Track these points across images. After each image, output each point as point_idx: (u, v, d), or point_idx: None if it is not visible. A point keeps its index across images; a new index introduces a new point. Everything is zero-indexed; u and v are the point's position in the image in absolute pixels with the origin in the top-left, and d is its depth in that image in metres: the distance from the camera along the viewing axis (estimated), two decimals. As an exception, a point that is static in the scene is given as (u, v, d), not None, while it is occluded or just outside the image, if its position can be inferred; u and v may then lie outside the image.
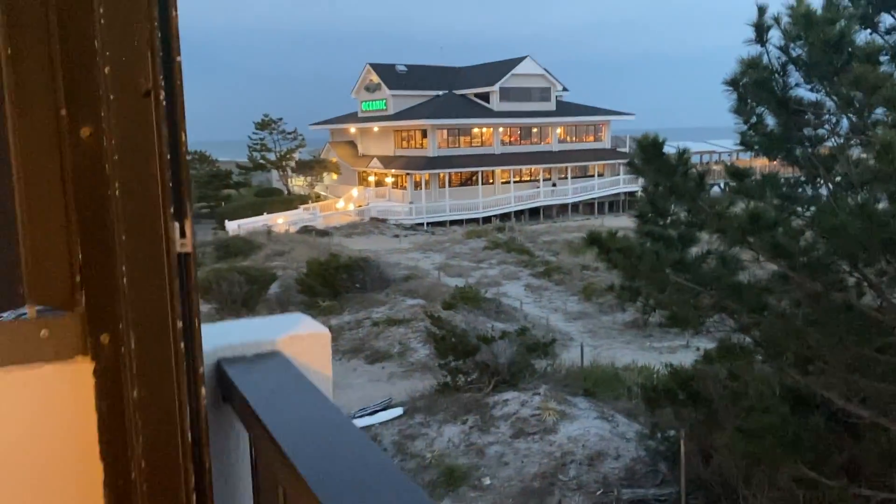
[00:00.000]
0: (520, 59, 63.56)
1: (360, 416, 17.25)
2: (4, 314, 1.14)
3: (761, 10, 6.85)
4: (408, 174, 58.81)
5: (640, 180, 7.39)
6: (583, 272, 33.13)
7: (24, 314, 1.15)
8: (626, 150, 70.07)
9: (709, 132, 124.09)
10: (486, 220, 57.77)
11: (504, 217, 58.33)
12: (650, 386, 11.35)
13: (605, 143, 68.49)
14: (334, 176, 68.06)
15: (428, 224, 56.15)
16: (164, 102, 1.12)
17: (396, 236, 50.89)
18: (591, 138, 68.01)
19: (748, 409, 9.09)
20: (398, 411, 17.23)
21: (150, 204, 1.15)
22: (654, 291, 7.02)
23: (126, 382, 1.18)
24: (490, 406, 16.22)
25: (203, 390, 1.23)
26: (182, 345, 1.21)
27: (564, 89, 67.96)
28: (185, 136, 1.17)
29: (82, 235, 1.14)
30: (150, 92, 1.11)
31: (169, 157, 1.15)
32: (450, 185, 59.65)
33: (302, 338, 1.68)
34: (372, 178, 65.11)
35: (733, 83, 6.76)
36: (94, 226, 1.14)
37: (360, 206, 60.25)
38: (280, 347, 1.64)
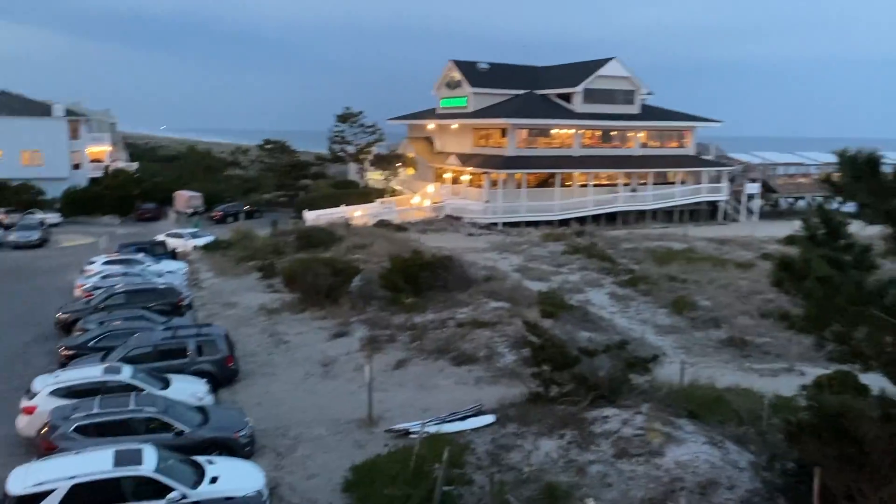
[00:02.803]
0: (606, 60, 62.10)
1: (451, 421, 16.73)
2: None
3: None
4: (485, 173, 58.19)
5: (834, 196, 6.52)
6: (670, 283, 31.91)
7: None
8: (711, 157, 67.86)
9: (795, 143, 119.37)
10: (562, 222, 56.65)
11: (580, 221, 57.09)
12: (793, 420, 10.39)
13: (689, 150, 66.39)
14: (410, 171, 67.95)
15: (503, 224, 55.44)
16: None
17: (471, 235, 50.32)
18: (675, 144, 66.04)
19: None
20: (490, 418, 16.64)
21: None
22: (844, 325, 6.20)
23: None
24: (588, 422, 15.46)
25: None
26: None
27: (649, 93, 66.19)
28: None
29: None
30: None
31: None
32: (527, 186, 58.75)
33: None
34: (448, 175, 64.73)
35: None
36: None
37: (435, 202, 59.94)
38: None
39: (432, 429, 15.96)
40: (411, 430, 16.38)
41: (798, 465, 12.00)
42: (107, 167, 70.27)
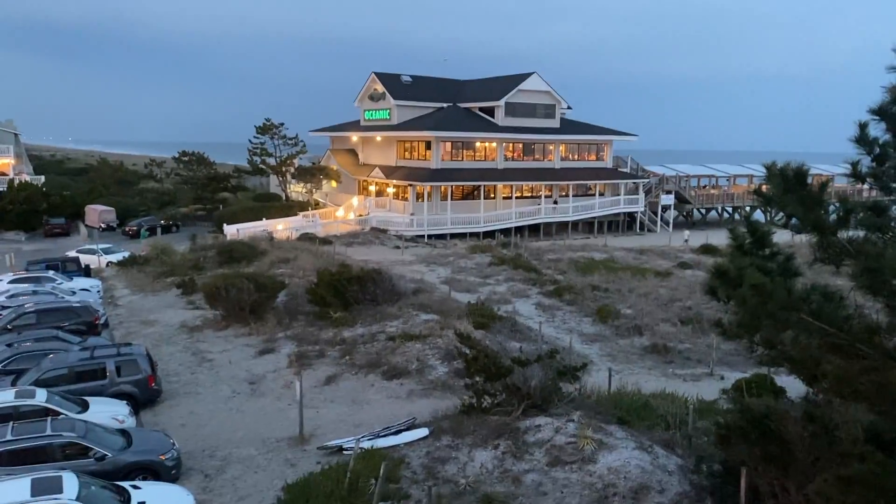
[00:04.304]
0: (526, 75, 63.37)
1: (385, 436, 16.60)
2: None
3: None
4: (410, 185, 58.31)
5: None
6: (594, 292, 32.68)
7: None
8: (627, 169, 70.10)
9: (706, 156, 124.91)
10: (487, 234, 57.35)
11: (505, 232, 57.95)
12: (722, 423, 10.79)
13: (607, 163, 68.39)
14: (334, 184, 67.41)
15: (429, 236, 55.64)
16: None
17: (397, 247, 50.25)
18: (593, 157, 67.90)
19: (840, 455, 8.58)
20: (423, 432, 16.60)
21: None
22: (776, 331, 6.52)
23: None
24: (522, 431, 15.63)
25: None
26: None
27: (568, 107, 67.91)
28: None
29: None
30: None
31: None
32: (451, 199, 59.18)
33: None
34: (373, 188, 64.54)
35: (881, 112, 6.31)
36: None
37: (360, 215, 59.61)
38: None
39: (366, 444, 15.79)
40: (345, 447, 16.18)
41: (724, 467, 12.46)
42: (10, 180, 66.81)
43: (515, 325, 26.34)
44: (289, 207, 62.76)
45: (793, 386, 17.02)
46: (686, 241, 56.45)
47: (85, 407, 17.17)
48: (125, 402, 18.31)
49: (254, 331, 26.01)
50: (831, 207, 6.63)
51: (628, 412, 16.79)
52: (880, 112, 6.29)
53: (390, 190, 61.98)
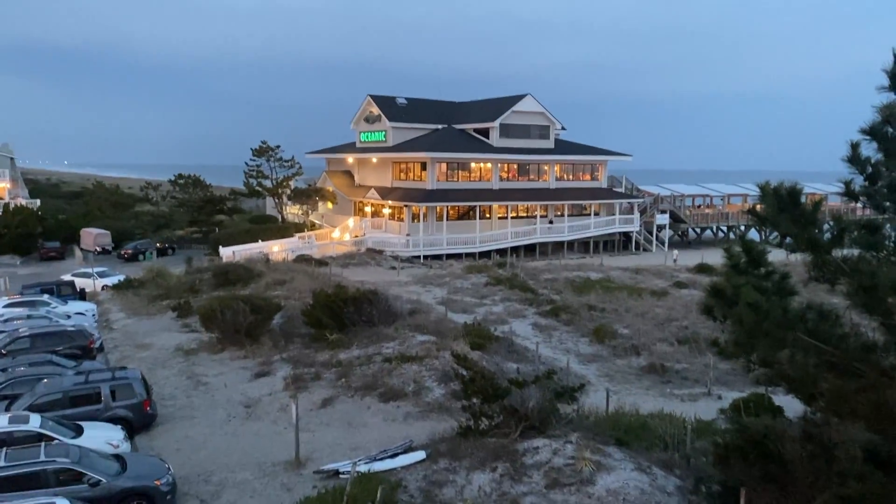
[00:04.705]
0: (521, 97, 63.81)
1: (382, 459, 16.47)
2: None
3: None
4: (405, 206, 58.43)
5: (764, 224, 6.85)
6: (590, 312, 32.66)
7: None
8: (622, 189, 70.38)
9: (701, 175, 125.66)
10: (483, 254, 57.41)
11: (501, 253, 58.01)
12: (721, 443, 10.74)
13: (602, 183, 68.67)
14: (330, 205, 67.48)
15: (425, 257, 55.64)
16: None
17: (393, 268, 50.22)
18: (588, 177, 68.18)
19: (839, 475, 8.54)
20: (421, 455, 16.47)
21: None
22: (772, 349, 6.51)
23: None
24: (520, 453, 15.53)
25: None
26: None
27: (563, 128, 68.27)
28: None
29: None
30: None
31: None
32: (447, 219, 59.27)
33: None
34: (368, 209, 64.66)
35: (872, 132, 6.36)
36: None
37: (356, 236, 59.65)
38: None
39: (363, 468, 15.66)
40: (341, 471, 16.04)
41: (723, 487, 12.37)
42: (6, 204, 66.77)
43: (512, 345, 26.27)
44: (285, 229, 62.76)
45: (790, 405, 16.95)
46: (674, 260, 56.54)
47: (79, 432, 17.02)
48: (120, 426, 18.17)
49: (249, 353, 25.86)
50: (825, 226, 6.65)
51: (626, 433, 16.70)
52: (872, 132, 6.33)
53: (386, 211, 62.08)
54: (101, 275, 44.31)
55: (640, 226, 67.62)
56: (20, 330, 26.59)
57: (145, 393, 19.70)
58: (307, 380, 22.72)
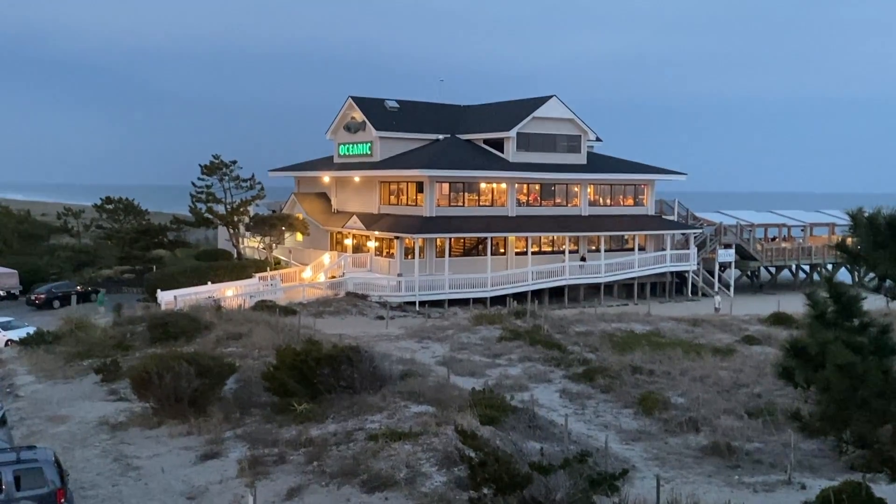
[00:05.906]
0: (544, 99, 64.52)
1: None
2: None
3: None
4: (396, 238, 58.74)
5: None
6: (635, 376, 32.67)
7: None
8: (674, 217, 70.70)
9: (773, 200, 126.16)
10: (496, 300, 57.48)
11: (519, 298, 57.93)
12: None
13: (648, 209, 69.06)
14: (300, 237, 67.78)
15: (421, 303, 55.78)
16: None
17: (381, 318, 50.40)
18: (631, 202, 68.63)
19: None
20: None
21: None
22: (870, 425, 6.47)
23: None
24: (545, 560, 15.42)
25: None
26: None
27: (597, 139, 68.92)
28: None
29: None
30: None
31: None
32: (450, 255, 59.46)
33: None
34: (349, 242, 64.94)
35: None
36: None
37: (333, 276, 59.92)
38: None
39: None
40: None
41: None
42: None
43: (534, 418, 26.26)
44: (241, 267, 63.08)
45: (895, 497, 16.86)
46: (717, 308, 56.68)
47: (-28, 531, 16.92)
48: (25, 524, 18.08)
49: (194, 428, 25.93)
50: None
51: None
52: None
53: (372, 244, 62.37)
54: (5, 326, 44.37)
55: (698, 264, 67.78)
56: None
57: (59, 480, 19.62)
58: (268, 463, 22.71)
